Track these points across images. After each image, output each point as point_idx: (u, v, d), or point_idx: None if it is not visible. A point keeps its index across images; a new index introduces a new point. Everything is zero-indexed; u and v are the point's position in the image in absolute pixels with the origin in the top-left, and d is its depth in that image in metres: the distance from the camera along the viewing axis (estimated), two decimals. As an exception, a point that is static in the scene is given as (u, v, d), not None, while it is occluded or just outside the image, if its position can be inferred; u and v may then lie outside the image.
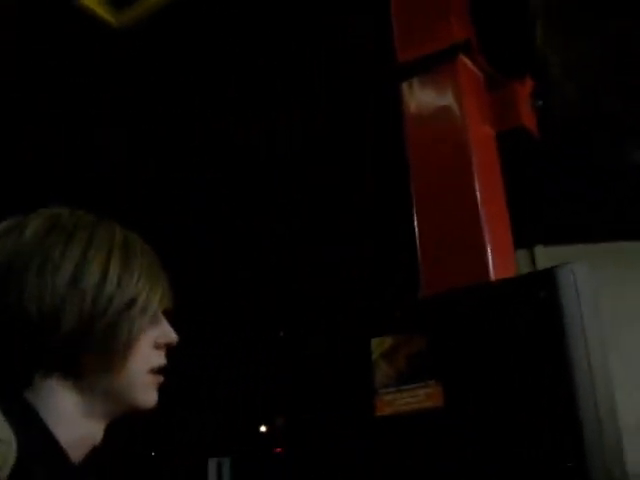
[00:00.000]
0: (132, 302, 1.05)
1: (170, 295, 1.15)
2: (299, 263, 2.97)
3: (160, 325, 1.13)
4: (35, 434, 0.98)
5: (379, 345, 2.11)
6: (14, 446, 0.90)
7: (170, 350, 1.15)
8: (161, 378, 1.13)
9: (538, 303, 1.91)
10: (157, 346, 1.12)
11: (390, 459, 2.05)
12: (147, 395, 1.11)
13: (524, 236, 4.26)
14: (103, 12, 3.25)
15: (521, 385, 1.87)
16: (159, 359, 1.13)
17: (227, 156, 3.55)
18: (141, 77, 3.73)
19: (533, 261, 4.49)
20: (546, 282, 1.93)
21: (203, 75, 3.57)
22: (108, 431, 1.10)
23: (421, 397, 2.02)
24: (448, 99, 2.47)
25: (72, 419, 1.03)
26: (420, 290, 2.24)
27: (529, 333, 1.90)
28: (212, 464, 7.44)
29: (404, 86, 2.59)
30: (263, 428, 11.03)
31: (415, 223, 2.40)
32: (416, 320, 2.08)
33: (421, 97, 2.54)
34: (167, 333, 1.14)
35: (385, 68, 2.63)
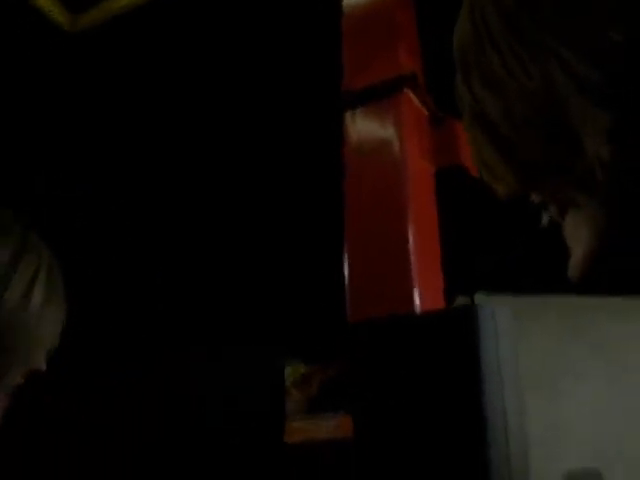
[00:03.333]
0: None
1: None
2: (223, 288, 2.93)
3: None
4: None
5: (293, 372, 2.07)
6: None
7: None
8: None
9: (456, 338, 1.89)
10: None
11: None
12: None
13: (466, 283, 4.24)
14: (58, 15, 3.21)
15: (432, 421, 1.84)
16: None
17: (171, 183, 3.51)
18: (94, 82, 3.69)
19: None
20: (466, 318, 1.91)
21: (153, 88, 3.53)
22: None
23: (330, 427, 1.97)
24: (389, 131, 2.46)
25: None
26: (346, 319, 2.20)
27: (445, 368, 1.87)
28: None
29: (347, 115, 2.57)
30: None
31: (345, 253, 2.37)
32: (332, 348, 2.04)
33: (363, 128, 2.53)
34: None
35: (331, 96, 2.62)
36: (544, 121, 0.58)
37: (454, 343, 1.88)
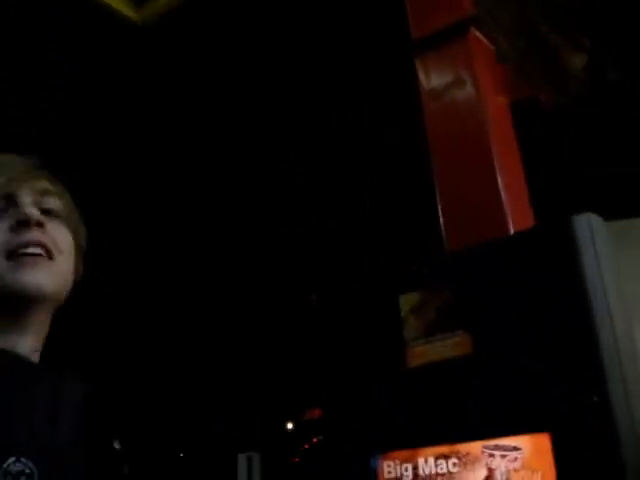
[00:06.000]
0: None
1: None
2: (326, 227, 3.08)
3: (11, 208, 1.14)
4: None
5: (407, 301, 2.23)
6: None
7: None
8: (28, 252, 1.10)
9: (554, 252, 2.02)
10: (12, 229, 1.12)
11: (422, 408, 2.16)
12: (17, 276, 1.08)
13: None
14: (124, 8, 3.38)
15: (543, 328, 1.98)
16: (18, 238, 1.11)
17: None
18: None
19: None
20: (562, 232, 2.04)
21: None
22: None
23: (450, 346, 2.13)
24: (462, 71, 2.59)
25: None
26: (443, 245, 2.36)
27: (548, 280, 2.01)
28: (242, 459, 7.52)
29: (418, 62, 2.71)
30: (290, 425, 11.17)
31: (437, 189, 2.53)
32: (442, 275, 2.20)
33: (435, 72, 2.67)
34: (17, 213, 1.13)
35: (399, 46, 2.75)
36: None
37: (555, 254, 2.02)
